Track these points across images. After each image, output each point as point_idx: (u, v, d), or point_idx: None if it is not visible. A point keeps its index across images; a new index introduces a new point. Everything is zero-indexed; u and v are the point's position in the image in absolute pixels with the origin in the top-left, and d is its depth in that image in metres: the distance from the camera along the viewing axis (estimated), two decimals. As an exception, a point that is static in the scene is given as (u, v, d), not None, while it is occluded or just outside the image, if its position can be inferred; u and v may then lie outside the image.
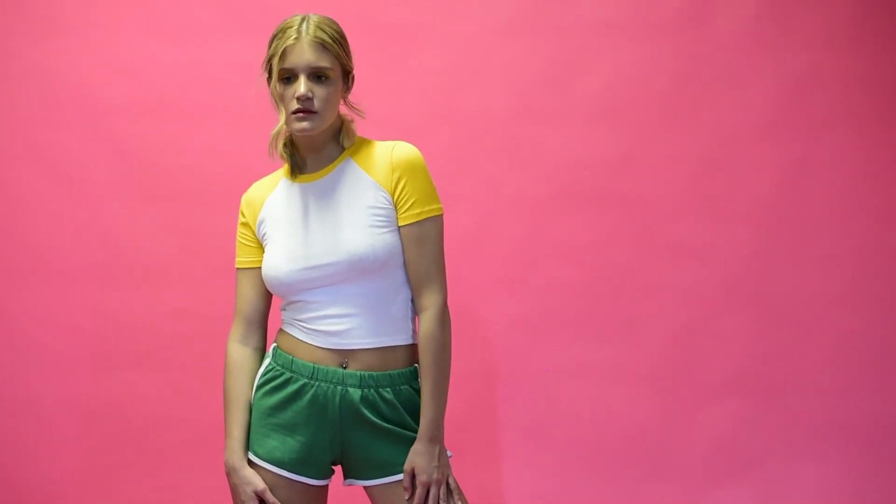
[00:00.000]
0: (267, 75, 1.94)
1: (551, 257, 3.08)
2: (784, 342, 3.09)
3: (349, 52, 1.95)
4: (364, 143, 1.98)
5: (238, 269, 2.05)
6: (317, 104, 1.87)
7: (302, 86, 1.86)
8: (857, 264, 3.09)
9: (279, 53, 1.88)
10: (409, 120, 3.01)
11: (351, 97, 2.00)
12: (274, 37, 1.91)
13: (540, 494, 3.05)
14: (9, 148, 3.07)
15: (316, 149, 1.97)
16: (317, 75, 1.87)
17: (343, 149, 1.97)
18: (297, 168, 1.99)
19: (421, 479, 1.88)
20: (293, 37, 1.87)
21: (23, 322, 3.05)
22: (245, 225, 2.04)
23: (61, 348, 3.04)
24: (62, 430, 3.04)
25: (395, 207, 1.91)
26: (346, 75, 1.95)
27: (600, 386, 3.07)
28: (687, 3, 3.10)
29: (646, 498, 3.05)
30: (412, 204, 1.91)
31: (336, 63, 1.90)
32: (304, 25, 1.88)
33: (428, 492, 1.89)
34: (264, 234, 2.00)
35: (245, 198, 2.06)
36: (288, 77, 1.88)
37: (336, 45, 1.89)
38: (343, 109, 2.01)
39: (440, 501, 1.89)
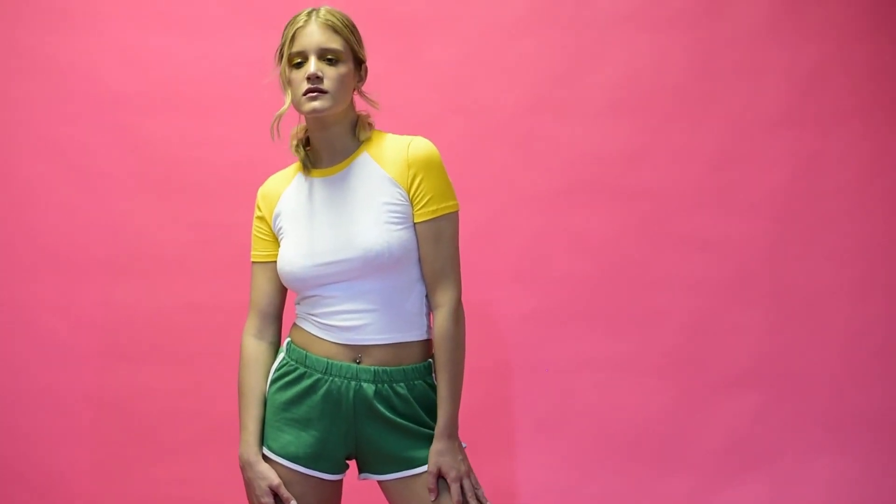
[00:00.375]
0: (279, 64, 1.95)
1: (565, 251, 3.07)
2: (797, 335, 3.08)
3: (360, 41, 1.96)
4: (380, 137, 1.98)
5: (253, 262, 2.05)
6: (327, 84, 1.87)
7: (312, 65, 1.87)
8: (870, 256, 3.08)
9: (289, 38, 1.90)
10: (422, 113, 3.00)
11: (364, 89, 2.01)
12: (285, 27, 1.94)
13: (553, 487, 3.05)
14: (20, 141, 3.08)
15: (332, 144, 1.96)
16: (327, 58, 1.89)
17: (359, 143, 1.97)
18: (312, 163, 2.00)
19: (451, 476, 1.90)
20: (303, 20, 1.90)
21: (34, 315, 3.06)
22: (261, 219, 2.04)
23: (73, 341, 3.05)
24: (73, 422, 3.05)
25: (411, 204, 1.91)
26: (359, 64, 1.96)
27: (613, 379, 3.07)
28: (700, -5, 3.09)
29: (659, 491, 3.05)
30: (428, 201, 1.91)
31: (346, 47, 1.91)
32: (315, 12, 1.92)
33: (461, 486, 1.90)
34: (280, 228, 2.00)
35: (261, 191, 2.06)
36: (299, 62, 1.90)
37: (346, 30, 1.92)
38: (359, 105, 2.01)
39: (476, 489, 1.92)
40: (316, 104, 1.87)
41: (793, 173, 3.08)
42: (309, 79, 1.87)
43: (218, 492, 2.92)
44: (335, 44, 1.89)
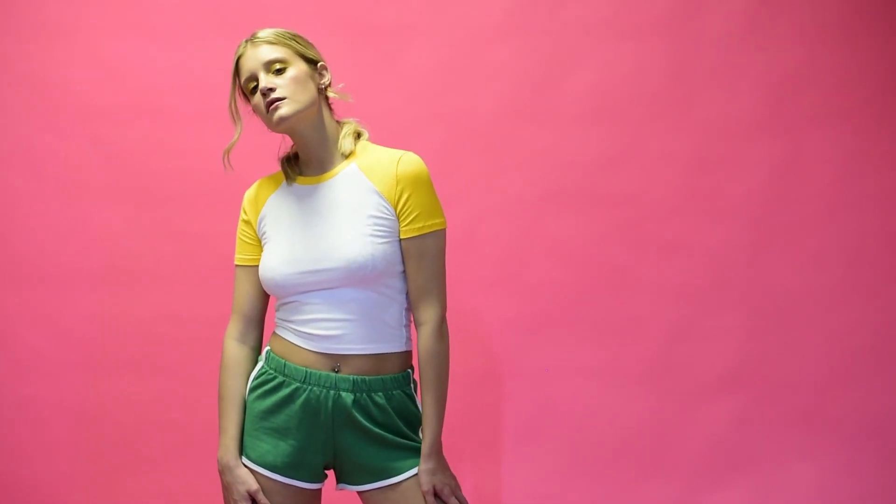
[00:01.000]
0: (248, 101, 1.98)
1: (544, 257, 3.08)
2: (778, 339, 3.09)
3: (306, 44, 1.98)
4: (371, 149, 1.98)
5: (237, 265, 2.05)
6: (280, 91, 1.89)
7: (262, 80, 1.90)
8: (850, 259, 3.09)
9: (235, 70, 1.96)
10: (400, 121, 3.00)
11: (340, 91, 2.02)
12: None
13: (536, 493, 3.05)
14: (-1, 152, 3.07)
15: (316, 153, 1.98)
16: (275, 69, 1.91)
17: (346, 153, 1.97)
18: (300, 172, 2.01)
19: (445, 492, 1.92)
20: (242, 49, 1.95)
21: (15, 326, 3.04)
22: (246, 222, 2.04)
23: (54, 352, 3.04)
24: (55, 433, 3.03)
25: (398, 219, 1.92)
26: (314, 65, 1.97)
27: (595, 385, 3.07)
28: (676, 1, 3.09)
29: (642, 496, 3.05)
30: (415, 217, 1.91)
31: (290, 52, 1.93)
32: (250, 38, 1.96)
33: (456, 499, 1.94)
34: (264, 233, 2.01)
35: (247, 195, 2.07)
36: (254, 86, 1.93)
37: (284, 38, 1.94)
38: (341, 112, 2.03)
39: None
40: (280, 112, 1.89)
41: (770, 177, 3.09)
42: (264, 94, 1.89)
43: (200, 501, 2.91)
44: (277, 53, 1.92)
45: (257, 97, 1.92)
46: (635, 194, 3.09)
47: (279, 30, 1.95)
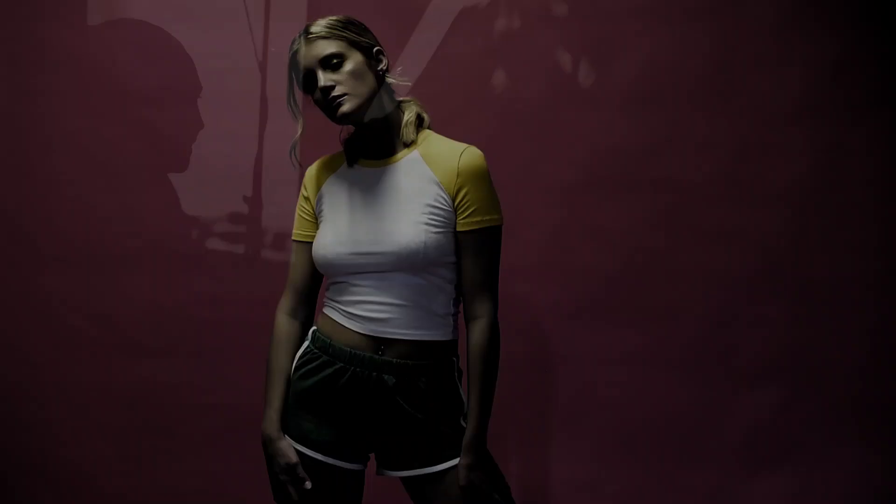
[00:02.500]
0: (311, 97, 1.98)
1: (586, 244, 3.07)
2: (821, 327, 3.06)
3: (360, 31, 1.97)
4: (434, 138, 2.00)
5: (294, 241, 2.08)
6: (339, 89, 1.90)
7: (320, 79, 1.90)
8: (894, 248, 3.06)
9: (291, 67, 1.96)
10: (443, 106, 2.98)
11: (398, 75, 2.04)
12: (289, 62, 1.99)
13: (574, 482, 3.05)
14: (40, 135, 3.09)
15: (379, 140, 1.99)
16: (332, 64, 1.91)
17: (409, 140, 1.98)
18: (363, 154, 2.02)
19: (483, 489, 1.92)
20: (297, 46, 1.95)
21: (57, 310, 3.08)
22: (306, 199, 2.07)
23: (95, 335, 3.07)
24: (96, 416, 3.07)
25: (455, 211, 1.92)
26: (369, 53, 1.97)
27: (637, 372, 3.06)
28: (722, -15, 3.07)
29: (683, 484, 3.05)
30: (473, 211, 1.93)
31: (344, 44, 1.93)
32: (303, 34, 1.95)
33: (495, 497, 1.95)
34: (321, 212, 2.03)
35: (309, 172, 2.10)
36: (313, 84, 1.93)
37: (336, 29, 1.93)
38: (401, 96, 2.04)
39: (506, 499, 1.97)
40: (343, 109, 1.90)
41: (816, 164, 3.06)
42: (324, 92, 1.90)
43: (241, 484, 2.94)
44: (331, 48, 1.91)
45: (318, 93, 1.92)
46: (679, 180, 3.07)
47: (331, 20, 1.94)
